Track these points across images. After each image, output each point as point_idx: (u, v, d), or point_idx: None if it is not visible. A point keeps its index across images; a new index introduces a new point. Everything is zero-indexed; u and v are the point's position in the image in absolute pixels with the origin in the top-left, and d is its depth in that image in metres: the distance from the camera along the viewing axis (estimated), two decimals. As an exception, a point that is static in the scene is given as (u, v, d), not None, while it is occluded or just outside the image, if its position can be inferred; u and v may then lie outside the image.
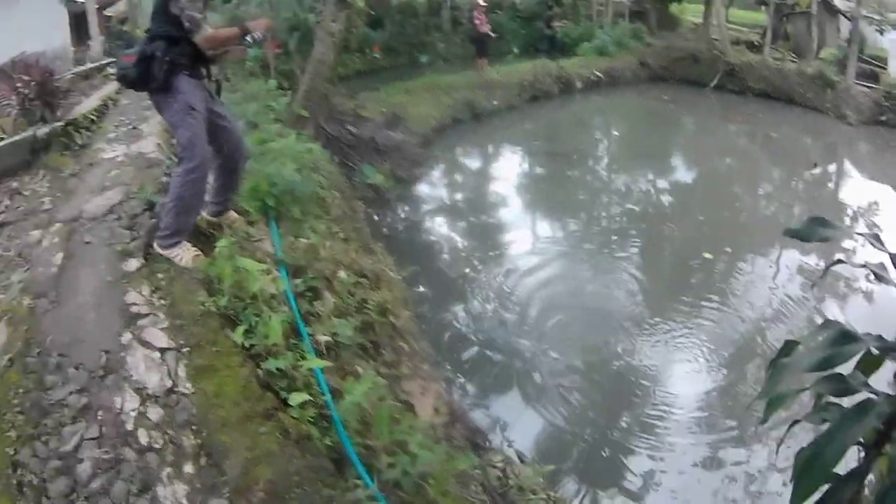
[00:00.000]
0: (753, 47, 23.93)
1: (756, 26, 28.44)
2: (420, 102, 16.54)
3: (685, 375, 6.74)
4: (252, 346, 3.82)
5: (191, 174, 4.52)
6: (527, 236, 10.39)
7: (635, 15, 27.00)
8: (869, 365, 1.92)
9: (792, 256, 9.31)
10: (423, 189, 12.81)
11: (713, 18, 22.97)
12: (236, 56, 4.51)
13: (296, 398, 3.42)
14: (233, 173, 5.21)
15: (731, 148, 16.89)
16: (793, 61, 21.62)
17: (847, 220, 11.43)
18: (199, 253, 4.66)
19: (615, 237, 10.39)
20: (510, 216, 11.38)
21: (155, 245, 4.73)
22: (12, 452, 3.28)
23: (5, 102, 10.13)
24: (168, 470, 3.18)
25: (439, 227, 10.97)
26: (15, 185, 7.37)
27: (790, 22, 24.26)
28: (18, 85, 9.19)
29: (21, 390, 3.63)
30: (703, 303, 8.02)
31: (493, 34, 18.96)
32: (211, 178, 5.17)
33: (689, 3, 29.78)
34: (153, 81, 4.42)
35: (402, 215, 11.32)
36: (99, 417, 3.47)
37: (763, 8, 27.57)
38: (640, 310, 7.87)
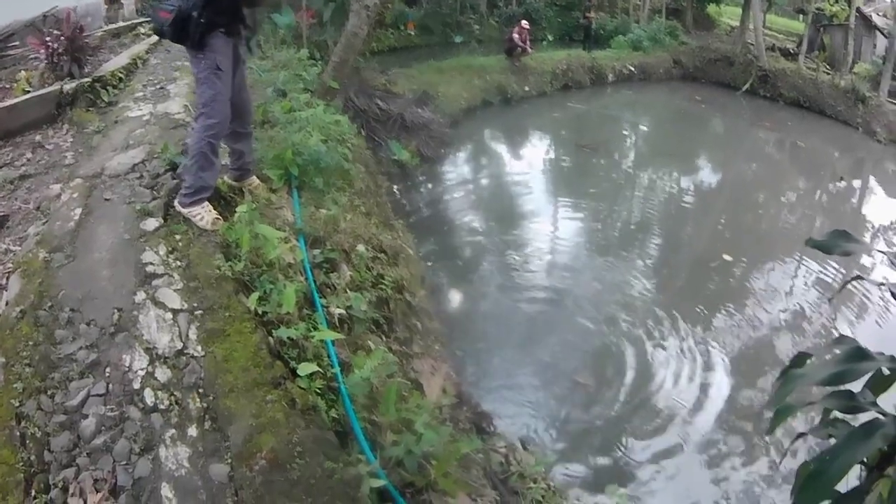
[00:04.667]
0: (788, 55, 23.85)
1: (792, 34, 28.23)
2: (452, 82, 16.55)
3: (694, 379, 6.72)
4: (265, 313, 3.85)
5: (209, 130, 4.61)
6: (547, 225, 10.37)
7: (672, 12, 26.93)
8: (879, 384, 1.92)
9: (810, 267, 9.24)
10: (448, 169, 12.82)
11: (750, 22, 22.74)
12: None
13: (305, 368, 3.44)
14: (245, 137, 5.28)
15: (759, 154, 16.78)
16: (826, 73, 21.42)
17: (868, 237, 11.34)
18: (219, 217, 4.70)
19: (635, 233, 10.36)
20: (532, 204, 11.36)
21: (176, 203, 4.79)
22: (17, 404, 3.32)
23: (33, 56, 10.24)
24: (172, 431, 3.21)
25: (461, 208, 10.96)
26: (38, 138, 7.45)
27: (827, 33, 24.07)
28: (48, 39, 9.27)
29: (31, 343, 3.67)
30: (719, 306, 7.99)
31: (529, 50, 18.87)
32: (226, 144, 5.27)
33: (727, 5, 29.48)
34: (187, 39, 4.49)
35: (425, 194, 11.34)
36: (107, 374, 3.52)
37: (801, 17, 27.36)
38: (656, 308, 7.83)
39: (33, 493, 2.96)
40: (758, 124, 18.79)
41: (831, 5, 23.02)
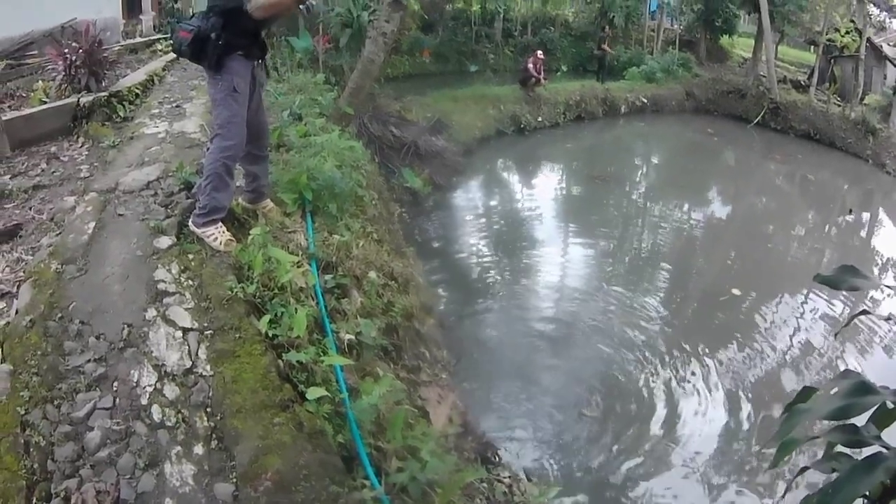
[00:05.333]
0: (800, 87, 24.11)
1: (803, 66, 28.58)
2: (466, 111, 16.85)
3: (700, 412, 6.77)
4: (275, 336, 3.94)
5: (225, 151, 4.74)
6: (556, 256, 10.48)
7: (685, 44, 27.23)
8: (883, 418, 1.97)
9: (818, 301, 9.30)
10: (460, 198, 12.99)
11: (762, 54, 23.05)
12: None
13: (313, 392, 3.51)
14: (261, 160, 5.41)
15: (769, 186, 16.97)
16: (837, 105, 21.71)
17: (876, 271, 11.43)
18: (233, 238, 4.81)
19: (645, 265, 10.45)
20: (543, 234, 11.50)
21: (190, 223, 4.89)
22: (23, 412, 3.38)
23: (51, 67, 10.42)
24: (178, 448, 3.29)
25: (472, 237, 11.10)
26: (53, 149, 7.60)
27: (838, 64, 24.29)
28: (66, 51, 9.44)
29: (39, 352, 3.74)
30: (727, 340, 8.05)
31: (543, 80, 19.12)
32: (241, 167, 5.41)
33: (740, 36, 29.91)
34: (205, 60, 4.64)
35: (437, 222, 11.45)
36: (114, 388, 3.60)
37: (812, 48, 27.65)
38: (664, 341, 7.89)
39: (34, 500, 3.02)
40: (768, 157, 19.06)
41: (842, 36, 23.24)
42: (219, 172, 4.73)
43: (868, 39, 22.58)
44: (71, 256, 4.65)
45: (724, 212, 14.36)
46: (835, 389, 1.88)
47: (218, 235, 4.77)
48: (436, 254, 9.87)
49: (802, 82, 24.75)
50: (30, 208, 5.97)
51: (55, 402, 3.49)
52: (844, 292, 8.68)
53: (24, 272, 4.71)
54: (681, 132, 21.19)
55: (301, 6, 4.71)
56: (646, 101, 21.84)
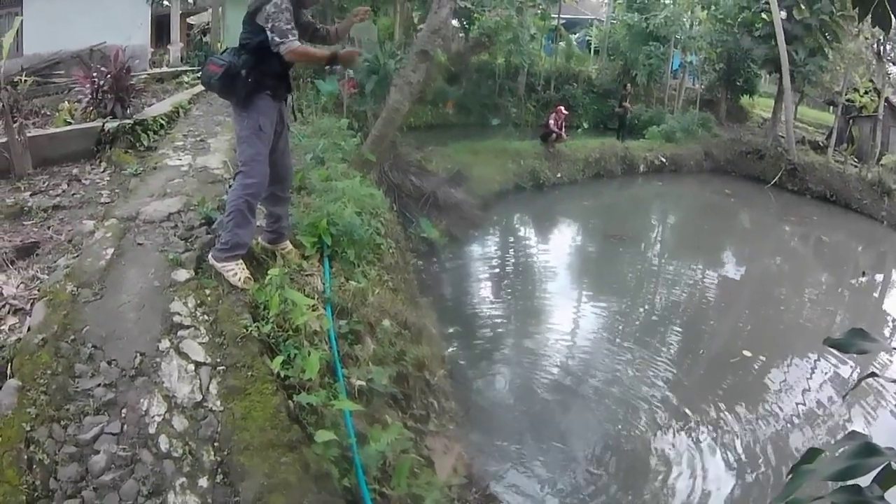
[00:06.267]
0: (818, 147, 24.40)
1: (822, 126, 28.89)
2: (486, 165, 17.13)
3: (708, 473, 6.78)
4: (287, 377, 4.07)
5: (248, 189, 4.94)
6: (569, 313, 10.54)
7: (706, 103, 27.64)
8: (888, 479, 1.99)
9: (827, 363, 9.34)
10: (476, 251, 13.15)
11: (782, 115, 23.36)
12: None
13: (322, 435, 3.61)
14: (283, 202, 5.63)
15: (783, 248, 17.09)
16: (854, 165, 22.05)
17: (888, 332, 11.51)
18: (251, 277, 4.97)
19: (657, 325, 10.48)
20: (556, 291, 11.56)
21: (210, 257, 5.06)
22: (28, 429, 3.48)
23: (77, 88, 10.69)
24: (182, 479, 3.39)
25: (486, 291, 11.22)
26: (75, 171, 7.82)
27: (856, 125, 24.60)
28: (94, 75, 9.70)
29: (49, 371, 3.86)
30: (736, 402, 8.06)
31: (565, 136, 19.45)
32: (263, 207, 5.62)
33: (761, 96, 30.44)
34: (233, 96, 4.90)
35: (452, 274, 11.57)
36: (123, 415, 3.71)
37: (831, 109, 28.01)
38: (673, 401, 7.93)
39: (33, 516, 3.09)
40: (784, 218, 19.20)
41: (861, 96, 23.54)
42: (241, 209, 4.92)
43: (886, 99, 23.03)
44: (87, 280, 4.80)
45: (737, 273, 14.45)
46: (840, 450, 1.94)
47: (238, 272, 4.92)
48: (449, 305, 9.98)
49: (820, 143, 25.10)
50: (48, 228, 6.15)
51: (62, 423, 3.58)
52: (853, 355, 8.75)
53: (38, 290, 4.86)
54: (698, 192, 21.41)
55: (332, 66, 4.90)
56: (664, 160, 22.10)
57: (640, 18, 26.07)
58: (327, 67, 4.95)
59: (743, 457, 7.06)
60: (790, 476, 2.03)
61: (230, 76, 4.78)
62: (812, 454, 2.13)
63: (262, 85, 4.85)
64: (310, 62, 4.93)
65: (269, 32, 4.68)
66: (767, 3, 21.57)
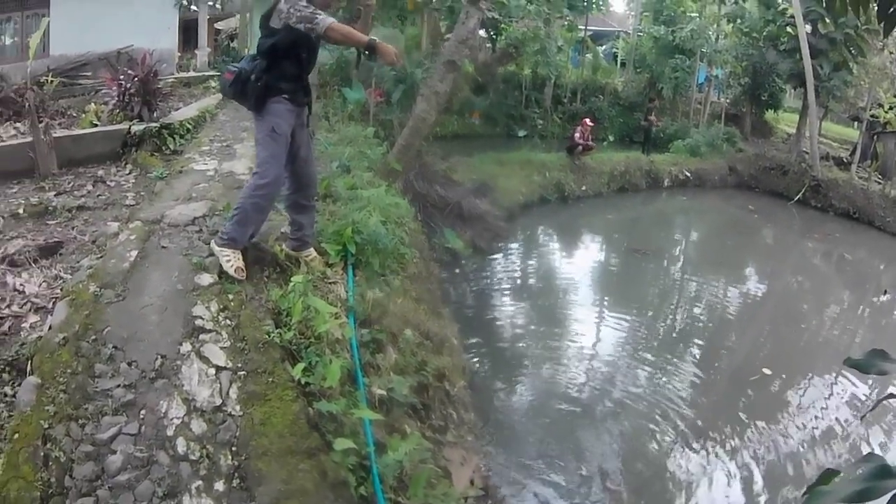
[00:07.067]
0: (842, 164, 24.16)
1: (846, 142, 28.67)
2: (511, 176, 17.21)
3: (724, 491, 6.76)
4: (308, 384, 4.11)
5: (259, 189, 5.09)
6: (590, 327, 10.55)
7: (731, 118, 27.51)
8: None
9: (846, 384, 9.24)
10: (499, 262, 13.16)
11: (806, 130, 23.15)
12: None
13: (341, 444, 3.65)
14: (307, 209, 5.74)
15: (805, 265, 16.95)
16: (878, 182, 21.78)
17: None
18: (244, 269, 5.11)
19: (678, 341, 10.44)
20: (578, 304, 11.58)
21: (212, 243, 5.27)
22: (46, 426, 3.54)
23: (104, 90, 10.85)
24: (199, 483, 3.43)
25: (508, 303, 11.23)
26: (101, 173, 7.94)
27: (881, 141, 24.30)
28: (122, 78, 9.85)
29: (69, 370, 3.93)
30: (753, 420, 8.02)
31: (592, 144, 19.47)
32: (287, 214, 5.79)
33: (785, 111, 30.34)
34: (246, 101, 5.10)
35: (475, 285, 11.60)
36: (141, 416, 3.76)
37: (855, 124, 27.75)
38: (692, 420, 7.90)
39: (47, 512, 3.14)
40: (807, 235, 19.04)
41: (885, 112, 23.30)
42: (246, 208, 5.11)
43: (912, 115, 22.77)
44: (110, 281, 4.88)
45: (759, 290, 14.34)
46: (857, 472, 1.94)
47: (233, 259, 5.08)
48: (471, 316, 10.01)
49: (844, 159, 24.86)
50: (72, 228, 6.26)
51: (79, 421, 3.64)
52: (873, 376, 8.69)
53: (61, 290, 4.96)
54: (722, 208, 21.32)
55: (368, 54, 4.92)
56: (689, 174, 22.02)
57: (667, 31, 26.10)
58: (364, 54, 4.94)
59: (760, 476, 7.03)
60: (806, 497, 2.04)
61: (241, 82, 5.00)
62: (828, 475, 2.15)
63: (275, 89, 5.00)
64: (349, 42, 4.93)
65: (298, 27, 4.80)
66: (792, 16, 21.51)
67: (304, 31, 4.81)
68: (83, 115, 9.83)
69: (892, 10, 2.95)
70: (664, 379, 8.81)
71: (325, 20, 4.74)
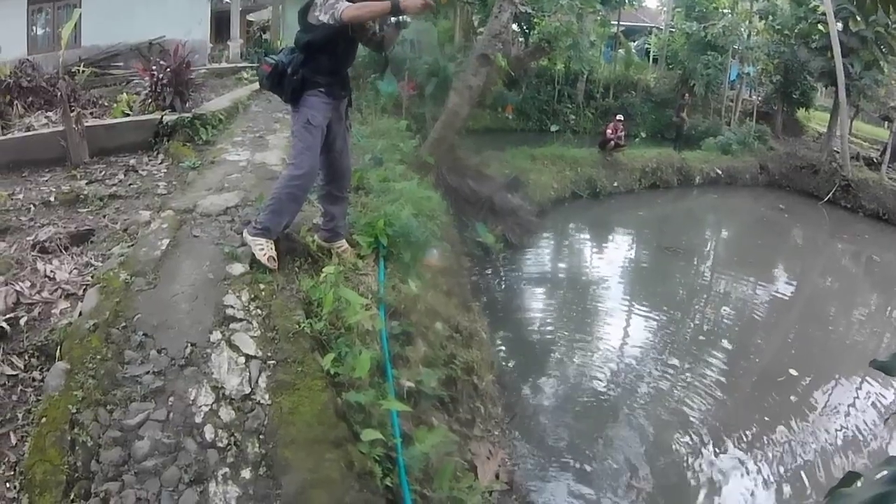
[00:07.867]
0: (872, 164, 23.77)
1: (877, 142, 28.27)
2: (543, 171, 17.32)
3: (747, 492, 6.75)
4: (337, 374, 4.14)
5: (294, 180, 5.18)
6: (619, 324, 10.59)
7: (762, 116, 27.23)
8: None
9: (872, 386, 9.18)
10: (530, 257, 13.22)
11: (837, 129, 22.89)
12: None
13: (368, 434, 3.67)
14: (340, 201, 5.79)
15: (834, 267, 16.85)
16: None
17: None
18: (276, 258, 5.16)
19: (706, 340, 10.41)
20: (607, 301, 11.64)
21: (244, 232, 5.32)
22: (74, 411, 3.58)
23: (136, 80, 10.98)
24: (225, 470, 3.45)
25: (537, 298, 11.31)
26: (132, 162, 8.04)
27: None
28: (154, 68, 9.95)
29: (98, 357, 3.98)
30: (779, 421, 7.99)
31: (621, 144, 19.42)
32: (320, 205, 5.86)
33: (816, 110, 30.02)
34: (282, 93, 5.19)
35: (505, 279, 11.64)
36: (169, 403, 3.80)
37: (886, 124, 27.37)
38: (719, 419, 7.89)
39: (72, 496, 3.18)
40: (836, 236, 18.94)
41: None
42: (281, 198, 5.19)
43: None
44: (141, 269, 4.96)
45: (787, 290, 14.24)
46: (879, 475, 1.92)
47: (266, 248, 5.14)
48: (501, 311, 10.06)
49: (875, 159, 24.54)
50: (103, 216, 6.34)
51: (108, 407, 3.68)
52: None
53: (91, 277, 5.04)
54: (752, 207, 21.18)
55: (395, 16, 4.89)
56: (720, 172, 21.98)
57: (699, 27, 26.15)
58: (392, 20, 4.90)
59: (783, 477, 7.02)
60: (827, 500, 2.02)
61: (277, 74, 5.09)
62: (850, 478, 2.13)
63: (311, 82, 5.07)
64: (372, 14, 4.91)
65: (325, 21, 4.86)
66: (824, 13, 21.36)
67: (334, 24, 4.85)
68: (115, 105, 9.95)
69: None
70: (691, 378, 8.81)
71: (340, 4, 4.77)
